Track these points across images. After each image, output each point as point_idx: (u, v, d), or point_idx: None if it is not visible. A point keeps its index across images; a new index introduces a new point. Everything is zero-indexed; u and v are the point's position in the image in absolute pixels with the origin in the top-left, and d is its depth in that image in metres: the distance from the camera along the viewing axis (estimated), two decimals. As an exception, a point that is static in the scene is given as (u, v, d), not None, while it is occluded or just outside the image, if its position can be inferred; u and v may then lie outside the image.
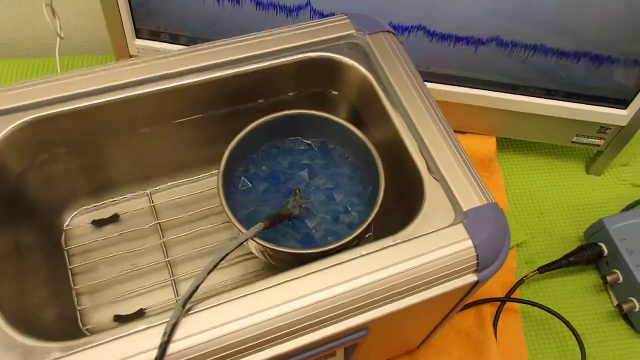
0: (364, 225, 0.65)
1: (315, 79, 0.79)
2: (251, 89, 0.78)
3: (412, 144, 0.69)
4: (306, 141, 0.78)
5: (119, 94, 0.70)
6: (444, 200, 0.65)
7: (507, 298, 0.92)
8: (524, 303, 0.93)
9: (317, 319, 0.57)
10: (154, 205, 0.79)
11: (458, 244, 0.61)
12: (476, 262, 0.62)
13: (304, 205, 0.72)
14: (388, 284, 0.58)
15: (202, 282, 0.58)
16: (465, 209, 0.64)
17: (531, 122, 1.03)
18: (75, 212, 0.79)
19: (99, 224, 0.79)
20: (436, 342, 0.89)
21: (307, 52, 0.76)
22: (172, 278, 0.76)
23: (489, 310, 0.92)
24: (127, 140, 0.77)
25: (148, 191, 0.81)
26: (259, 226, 0.65)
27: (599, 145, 1.05)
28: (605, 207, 1.07)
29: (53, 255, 0.77)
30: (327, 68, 0.77)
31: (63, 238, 0.78)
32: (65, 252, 0.76)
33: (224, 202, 0.67)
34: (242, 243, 0.63)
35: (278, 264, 0.72)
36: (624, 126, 1.00)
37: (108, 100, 0.70)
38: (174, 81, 0.72)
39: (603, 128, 1.02)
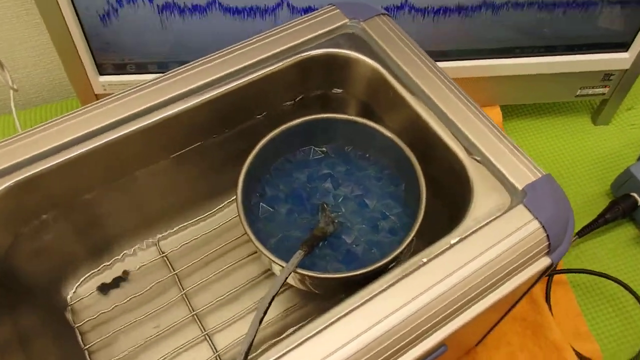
0: (414, 230, 0.58)
1: (315, 80, 0.71)
2: (247, 105, 0.70)
3: (442, 129, 0.62)
4: (319, 149, 0.70)
5: (100, 140, 0.61)
6: (494, 183, 0.59)
7: (555, 271, 0.87)
8: (573, 272, 0.87)
9: (396, 346, 0.49)
10: (165, 255, 0.70)
11: (524, 228, 0.55)
12: (547, 243, 0.55)
13: (336, 220, 0.65)
14: (463, 288, 0.51)
15: (254, 336, 0.50)
16: (520, 187, 0.57)
17: (534, 83, 0.98)
18: (79, 282, 0.70)
19: (107, 288, 0.70)
20: (493, 334, 0.83)
21: (300, 52, 0.68)
22: (205, 333, 0.67)
23: (538, 288, 0.86)
24: (121, 188, 0.67)
25: (155, 239, 0.72)
26: (299, 254, 0.57)
27: (603, 94, 1.01)
28: (623, 155, 1.02)
29: (63, 336, 0.67)
30: (327, 66, 0.69)
31: (70, 314, 0.68)
32: (75, 329, 0.66)
33: (250, 233, 0.59)
34: (286, 279, 0.55)
35: (322, 292, 0.64)
36: (627, 69, 0.96)
37: (89, 149, 0.61)
38: (157, 113, 0.63)
39: (607, 75, 0.97)
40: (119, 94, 0.64)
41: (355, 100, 0.73)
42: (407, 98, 0.64)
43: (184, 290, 0.69)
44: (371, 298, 0.51)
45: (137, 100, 0.63)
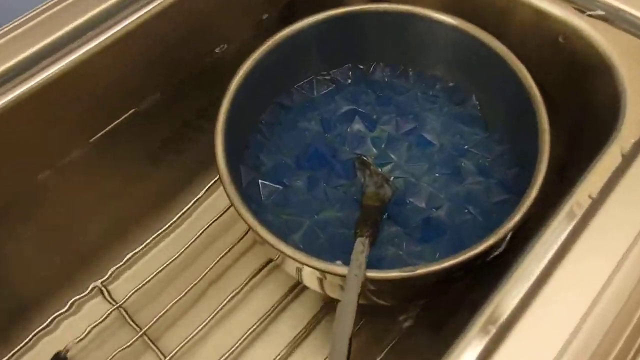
0: (544, 159, 0.34)
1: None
2: (197, 34, 0.43)
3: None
4: (323, 77, 0.44)
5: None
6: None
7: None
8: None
9: None
10: (120, 306, 0.43)
11: None
12: None
13: (391, 177, 0.39)
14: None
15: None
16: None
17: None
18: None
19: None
20: None
21: None
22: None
23: None
24: (24, 207, 0.40)
25: (98, 283, 0.44)
26: (362, 246, 0.31)
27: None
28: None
29: None
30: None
31: None
32: None
33: (260, 229, 0.32)
34: (359, 295, 0.29)
35: (394, 301, 0.39)
36: None
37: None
38: (50, 66, 0.36)
39: None
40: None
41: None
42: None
43: (166, 358, 0.41)
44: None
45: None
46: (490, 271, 0.35)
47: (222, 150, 0.36)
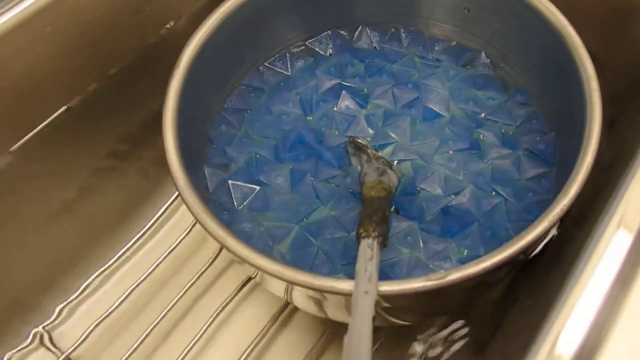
0: (595, 124, 0.26)
1: None
2: (138, 9, 0.35)
3: None
4: (297, 49, 0.36)
5: None
6: None
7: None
8: None
9: None
10: (67, 355, 0.34)
11: None
12: None
13: (394, 163, 0.31)
14: None
15: None
16: None
17: None
18: None
19: None
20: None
21: None
22: None
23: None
24: None
25: (39, 328, 0.35)
26: (370, 249, 0.23)
27: None
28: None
29: None
30: None
31: None
32: None
33: (231, 243, 0.24)
34: (374, 318, 0.21)
35: (417, 317, 0.31)
36: None
37: None
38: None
39: None
40: None
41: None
42: None
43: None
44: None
45: None
46: (532, 271, 0.27)
47: (175, 147, 0.27)
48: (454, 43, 0.35)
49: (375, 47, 0.36)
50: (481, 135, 0.32)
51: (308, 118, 0.34)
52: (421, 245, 0.28)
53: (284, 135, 0.33)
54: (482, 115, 0.33)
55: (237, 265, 0.37)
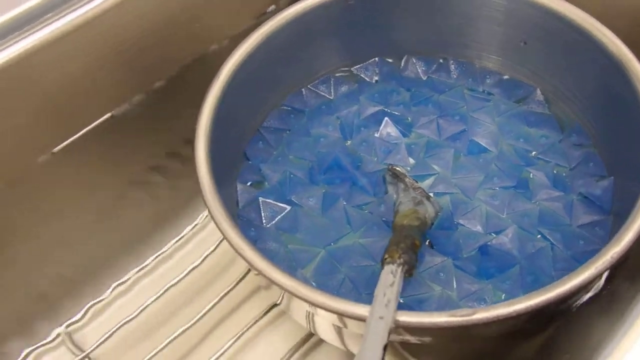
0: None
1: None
2: (189, 27, 0.35)
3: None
4: (341, 73, 0.36)
5: None
6: None
7: None
8: None
9: None
10: (87, 355, 0.33)
11: None
12: None
13: (431, 195, 0.29)
14: None
15: None
16: None
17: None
18: None
19: None
20: None
21: None
22: None
23: None
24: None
25: (63, 327, 0.35)
26: (392, 275, 0.21)
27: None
28: None
29: None
30: None
31: None
32: None
33: (257, 261, 0.23)
34: (387, 345, 0.19)
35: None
36: None
37: None
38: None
39: None
40: None
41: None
42: None
43: None
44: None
45: None
46: (574, 324, 0.24)
47: (206, 161, 0.27)
48: (506, 77, 0.34)
49: (422, 77, 0.35)
50: (530, 175, 0.30)
51: (347, 142, 0.33)
52: (454, 283, 0.26)
53: (320, 158, 0.32)
54: (533, 153, 0.31)
55: (263, 290, 0.36)
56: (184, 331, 0.33)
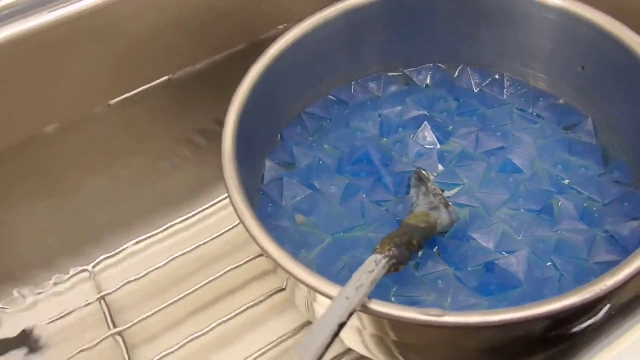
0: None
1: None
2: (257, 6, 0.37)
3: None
4: (394, 73, 0.36)
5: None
6: None
7: None
8: None
9: None
10: (102, 297, 0.36)
11: None
12: None
13: (451, 204, 0.29)
14: None
15: None
16: None
17: None
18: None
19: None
20: None
21: None
22: None
23: None
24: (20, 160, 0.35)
25: (88, 266, 0.38)
26: (374, 264, 0.21)
27: None
28: None
29: None
30: None
31: None
32: None
33: (259, 237, 0.24)
34: (341, 328, 0.19)
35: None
36: None
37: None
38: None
39: None
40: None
41: None
42: None
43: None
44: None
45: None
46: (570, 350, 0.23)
47: (233, 129, 0.28)
48: (560, 102, 0.33)
49: (474, 89, 0.34)
50: (559, 203, 0.29)
51: (383, 140, 0.33)
52: (451, 293, 0.26)
53: (353, 150, 0.32)
54: (567, 182, 0.29)
55: (273, 275, 0.37)
56: (193, 292, 0.35)
